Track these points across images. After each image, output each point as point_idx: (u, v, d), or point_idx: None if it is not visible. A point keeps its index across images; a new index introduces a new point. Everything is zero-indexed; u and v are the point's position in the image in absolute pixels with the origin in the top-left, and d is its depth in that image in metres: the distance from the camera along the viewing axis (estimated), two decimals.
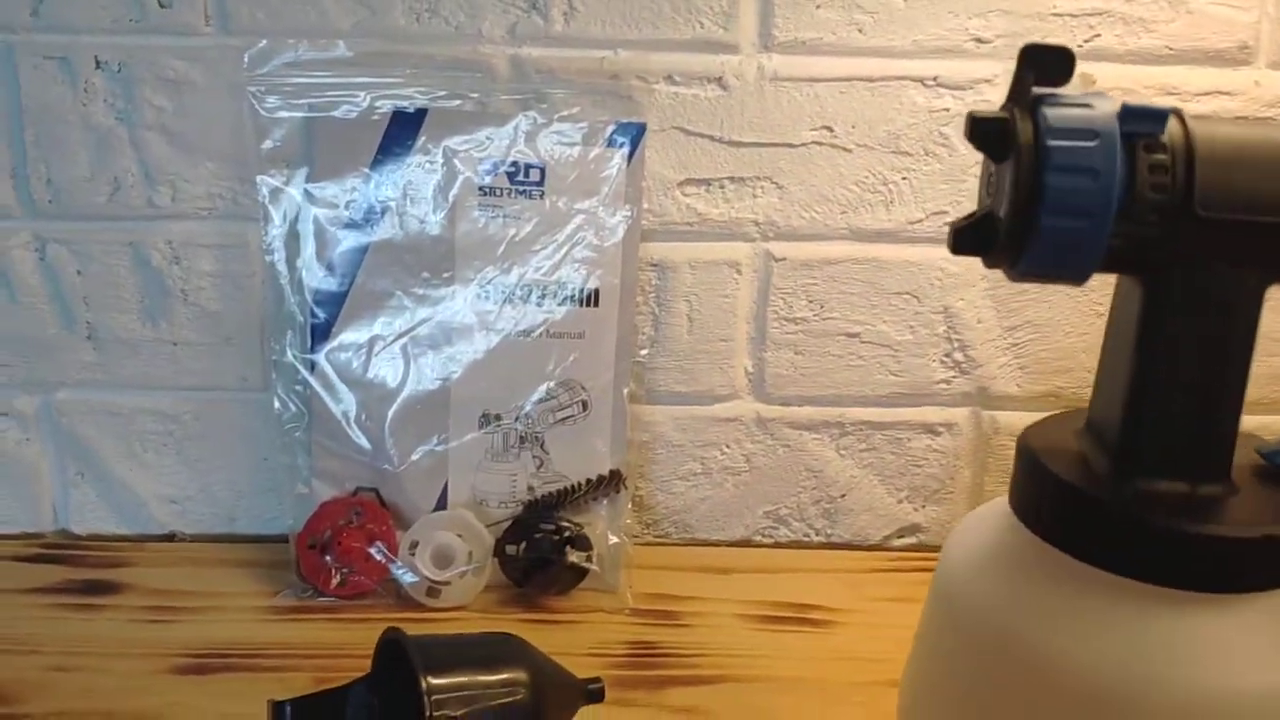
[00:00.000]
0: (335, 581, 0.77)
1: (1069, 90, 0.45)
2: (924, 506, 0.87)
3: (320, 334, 0.78)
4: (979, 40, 0.76)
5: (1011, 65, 0.78)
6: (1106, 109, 0.44)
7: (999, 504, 0.53)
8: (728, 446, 0.85)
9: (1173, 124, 0.45)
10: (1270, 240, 0.44)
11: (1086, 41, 0.76)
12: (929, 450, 0.86)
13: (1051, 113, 0.44)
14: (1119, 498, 0.46)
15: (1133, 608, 0.44)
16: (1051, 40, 0.75)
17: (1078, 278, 0.46)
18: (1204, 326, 0.46)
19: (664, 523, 0.87)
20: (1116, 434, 0.48)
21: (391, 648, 0.55)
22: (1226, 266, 0.45)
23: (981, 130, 0.45)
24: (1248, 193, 0.44)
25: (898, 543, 0.88)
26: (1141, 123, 0.44)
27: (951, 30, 0.76)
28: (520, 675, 0.54)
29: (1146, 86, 0.77)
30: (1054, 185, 0.44)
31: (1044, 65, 0.45)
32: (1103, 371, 0.50)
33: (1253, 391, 0.45)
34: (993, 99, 0.77)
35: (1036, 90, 0.45)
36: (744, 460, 0.86)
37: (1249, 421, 0.46)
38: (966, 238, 0.46)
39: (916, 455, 0.86)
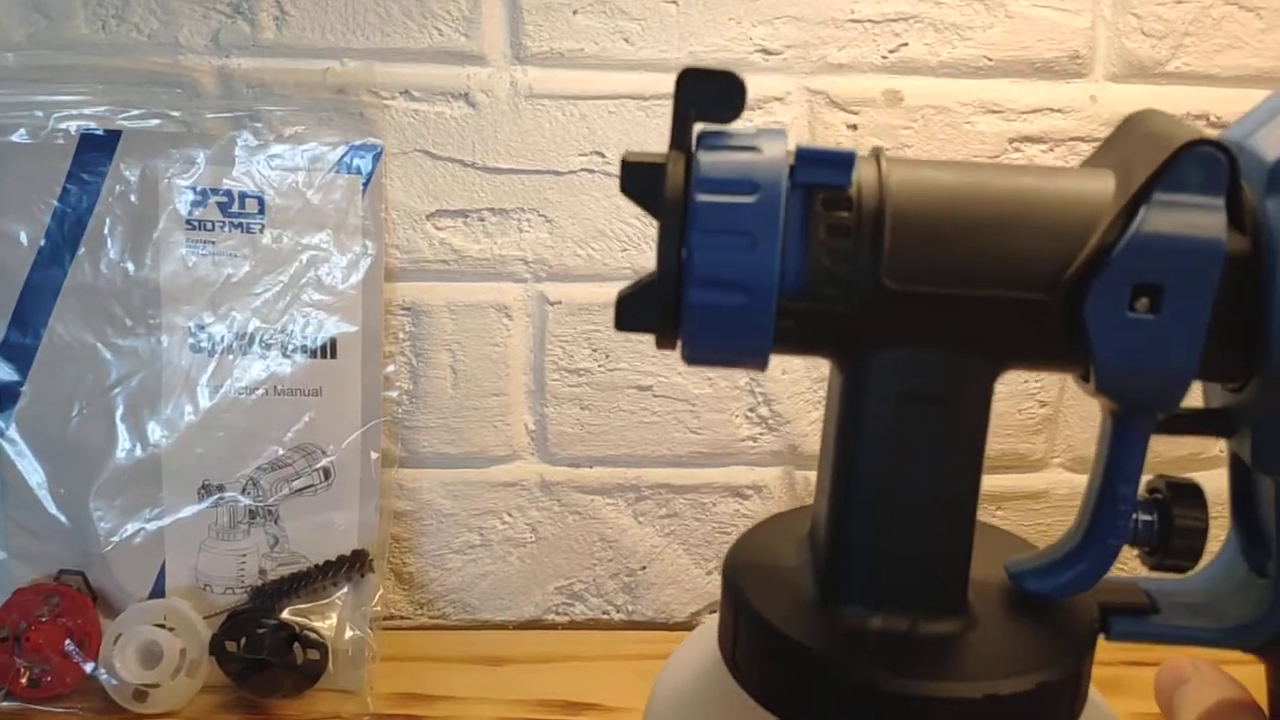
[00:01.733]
0: (24, 681, 0.66)
1: (742, 126, 0.34)
2: None
3: (8, 395, 0.66)
4: (766, 51, 0.65)
5: (807, 81, 0.69)
6: (775, 153, 0.33)
7: (713, 630, 0.43)
8: (509, 515, 0.74)
9: (865, 171, 0.34)
10: (984, 318, 0.34)
11: (892, 52, 0.66)
12: (737, 515, 0.75)
13: (705, 159, 0.33)
14: (818, 639, 0.35)
15: None
16: (848, 50, 0.65)
17: (754, 363, 0.35)
18: (914, 419, 0.35)
19: (440, 602, 0.76)
20: (824, 553, 0.38)
21: None
22: (936, 349, 0.34)
23: (634, 178, 0.34)
24: (949, 260, 0.33)
25: (708, 619, 0.77)
26: (820, 171, 0.33)
27: (733, 40, 0.65)
28: None
29: (963, 103, 0.67)
30: (699, 250, 0.33)
31: (705, 95, 0.34)
32: (820, 471, 0.39)
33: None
34: (784, 119, 0.67)
35: (701, 128, 0.34)
36: (529, 530, 0.75)
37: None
38: (629, 311, 0.35)
39: (724, 520, 0.75)
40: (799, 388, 0.72)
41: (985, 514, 0.74)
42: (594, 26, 0.64)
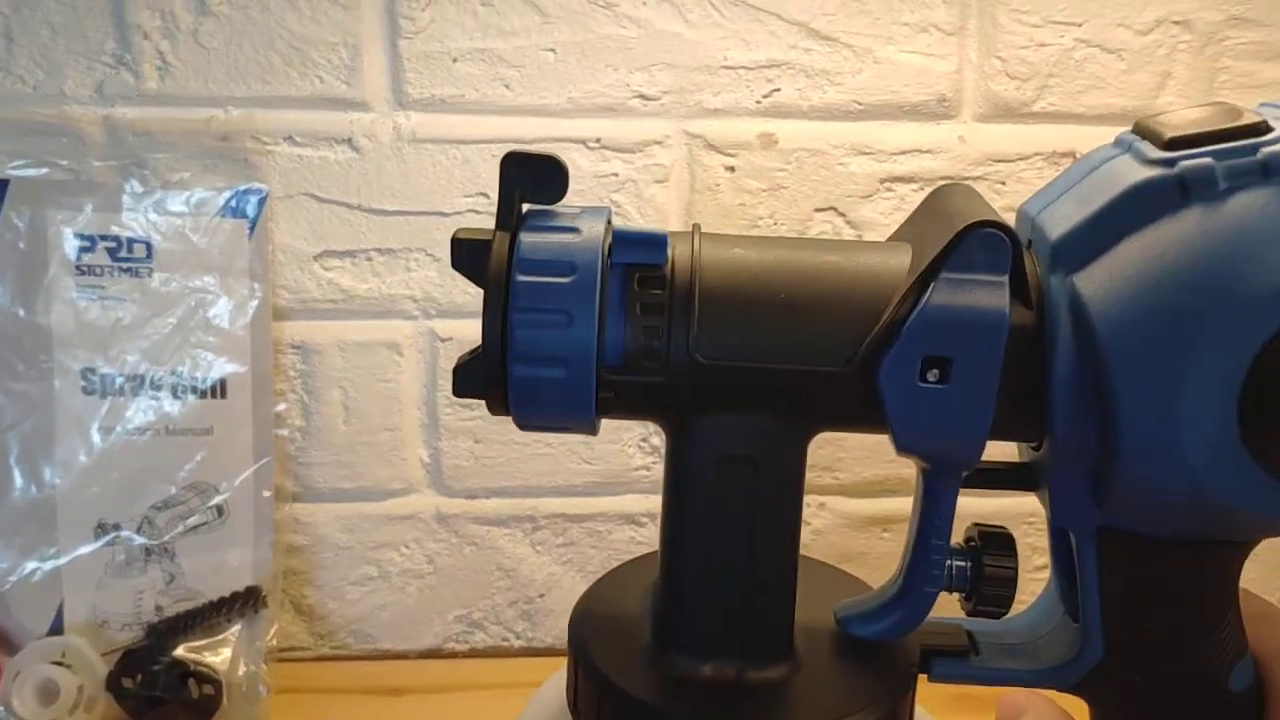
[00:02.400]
0: None
1: (566, 206, 0.36)
2: None
3: None
4: (644, 97, 0.67)
5: (685, 124, 0.71)
6: (593, 234, 0.35)
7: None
8: (406, 547, 0.76)
9: (680, 249, 0.36)
10: (789, 388, 0.36)
11: (765, 97, 0.68)
12: (632, 542, 0.77)
13: (526, 240, 0.35)
14: (649, 689, 0.37)
15: None
16: (723, 96, 0.67)
17: (582, 428, 0.37)
18: (734, 479, 0.37)
19: (340, 633, 0.77)
20: (658, 601, 0.39)
21: None
22: (749, 415, 0.36)
23: (463, 254, 0.36)
24: (755, 336, 0.35)
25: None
26: (635, 251, 0.35)
27: (611, 86, 0.67)
28: None
29: (836, 145, 0.69)
30: (520, 327, 0.35)
31: (530, 177, 0.36)
32: (660, 523, 0.41)
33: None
34: (665, 161, 0.69)
35: (529, 208, 0.36)
36: (427, 561, 0.76)
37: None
38: (464, 379, 0.37)
39: (619, 548, 0.77)
40: None
41: (871, 537, 0.77)
42: (474, 73, 0.66)
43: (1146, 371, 0.31)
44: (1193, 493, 0.32)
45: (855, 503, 0.76)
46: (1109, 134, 0.34)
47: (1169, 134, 0.32)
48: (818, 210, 0.70)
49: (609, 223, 0.35)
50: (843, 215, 0.70)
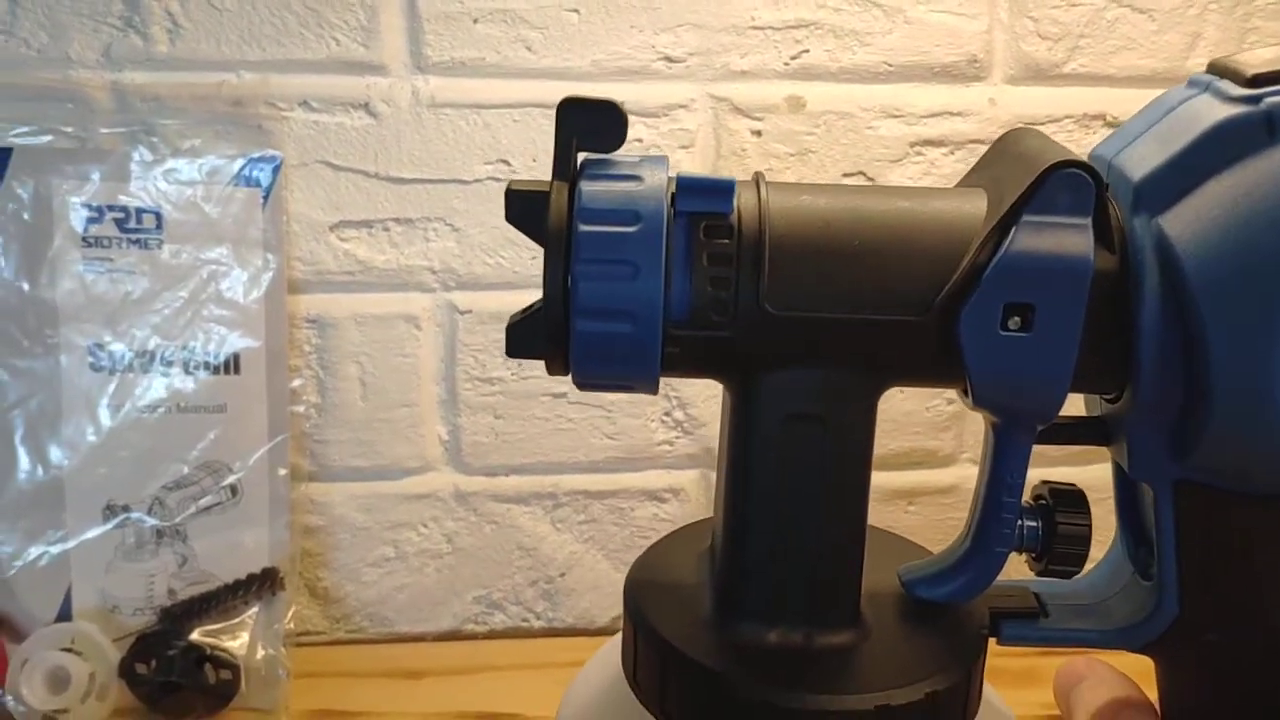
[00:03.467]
0: None
1: (625, 155, 0.34)
2: None
3: None
4: (669, 59, 0.66)
5: (710, 88, 0.69)
6: (657, 182, 0.33)
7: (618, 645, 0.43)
8: (424, 526, 0.74)
9: (746, 198, 0.34)
10: (862, 340, 0.34)
11: (794, 59, 0.66)
12: (655, 519, 0.75)
13: (588, 188, 0.33)
14: (714, 656, 0.36)
15: None
16: (750, 58, 0.65)
17: (645, 387, 0.35)
18: (801, 438, 0.36)
19: (356, 616, 0.75)
20: (720, 569, 0.38)
21: None
22: (819, 370, 0.35)
23: (518, 207, 0.34)
24: (827, 285, 0.33)
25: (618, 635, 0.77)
26: (701, 200, 0.34)
27: (636, 48, 0.65)
28: None
29: (865, 109, 0.68)
30: (584, 279, 0.33)
31: (587, 124, 0.34)
32: (716, 488, 0.40)
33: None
34: (690, 126, 0.67)
35: (585, 157, 0.34)
36: (445, 541, 0.74)
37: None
38: (519, 338, 0.35)
39: (642, 525, 0.75)
40: (713, 391, 0.72)
41: (897, 510, 0.76)
42: (495, 35, 0.64)
43: (1238, 313, 0.30)
44: None
45: (881, 475, 0.74)
46: (1140, 97, 0.33)
47: (1251, 71, 0.31)
48: (846, 175, 0.69)
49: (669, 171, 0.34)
50: (871, 180, 0.69)
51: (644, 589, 0.39)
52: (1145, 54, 0.69)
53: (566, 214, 0.33)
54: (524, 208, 0.33)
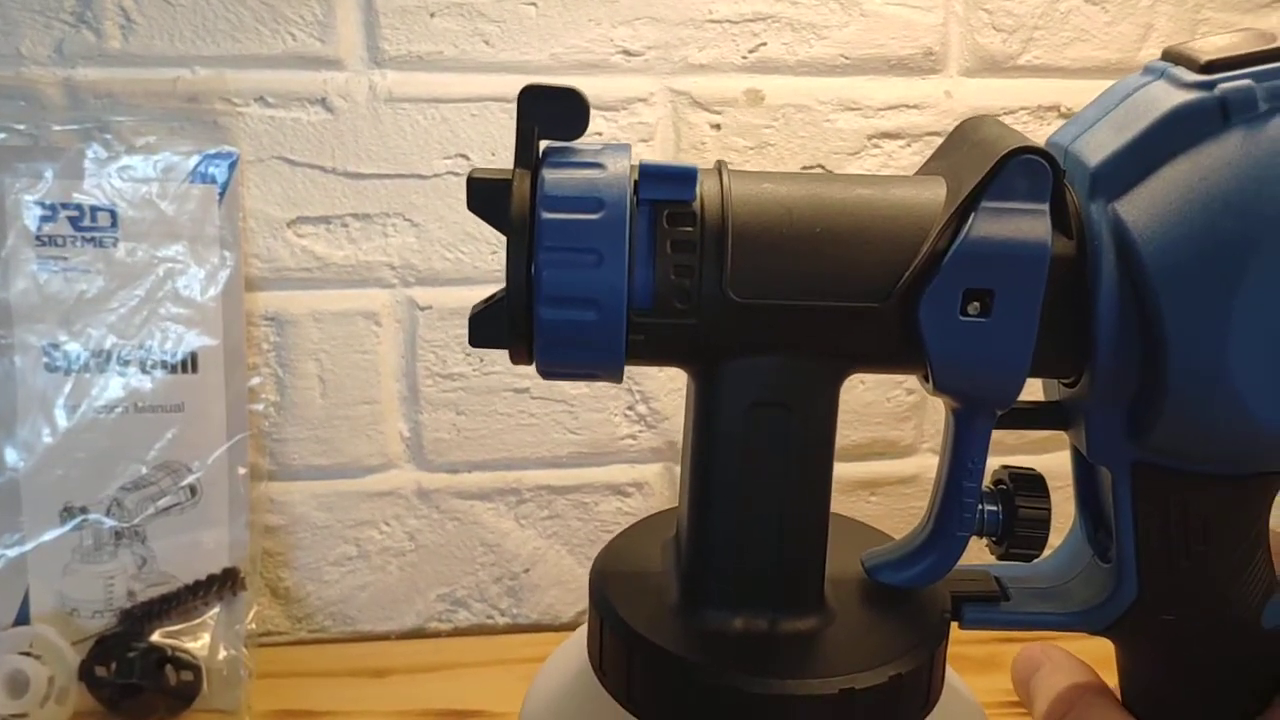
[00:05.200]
0: None
1: (587, 142, 0.34)
2: None
3: None
4: (628, 53, 0.66)
5: (669, 81, 0.69)
6: (619, 169, 0.33)
7: (584, 638, 0.43)
8: (386, 524, 0.73)
9: (708, 185, 0.34)
10: (825, 326, 0.34)
11: (751, 52, 0.66)
12: (619, 513, 0.75)
13: (550, 176, 0.33)
14: (679, 642, 0.36)
15: None
16: (708, 51, 0.66)
17: (610, 375, 0.35)
18: (765, 425, 0.36)
19: (319, 616, 0.75)
20: (684, 557, 0.38)
21: None
22: (781, 357, 0.35)
23: (480, 195, 0.34)
24: (789, 273, 0.34)
25: (583, 627, 0.77)
26: (664, 187, 0.34)
27: (594, 41, 0.65)
28: None
29: (823, 101, 0.68)
30: (547, 267, 0.33)
31: (548, 112, 0.34)
32: (680, 476, 0.40)
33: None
34: (649, 120, 0.67)
35: (547, 144, 0.34)
36: (407, 538, 0.74)
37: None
38: (482, 328, 0.35)
39: (606, 519, 0.75)
40: (676, 384, 0.72)
41: (859, 500, 0.76)
42: (452, 29, 0.64)
43: (1194, 296, 0.30)
44: (1240, 422, 0.31)
45: (843, 466, 0.75)
46: (1094, 88, 0.34)
47: (1205, 58, 0.32)
48: (804, 168, 0.69)
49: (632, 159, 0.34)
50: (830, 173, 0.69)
51: (609, 579, 0.39)
52: (1098, 45, 0.70)
53: (529, 202, 0.33)
54: (486, 196, 0.33)
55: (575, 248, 0.32)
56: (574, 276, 0.32)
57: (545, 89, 0.33)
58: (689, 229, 0.33)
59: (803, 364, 0.35)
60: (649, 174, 0.33)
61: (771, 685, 0.34)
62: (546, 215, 0.32)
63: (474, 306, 0.34)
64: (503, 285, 0.32)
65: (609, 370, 0.34)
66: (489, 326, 0.34)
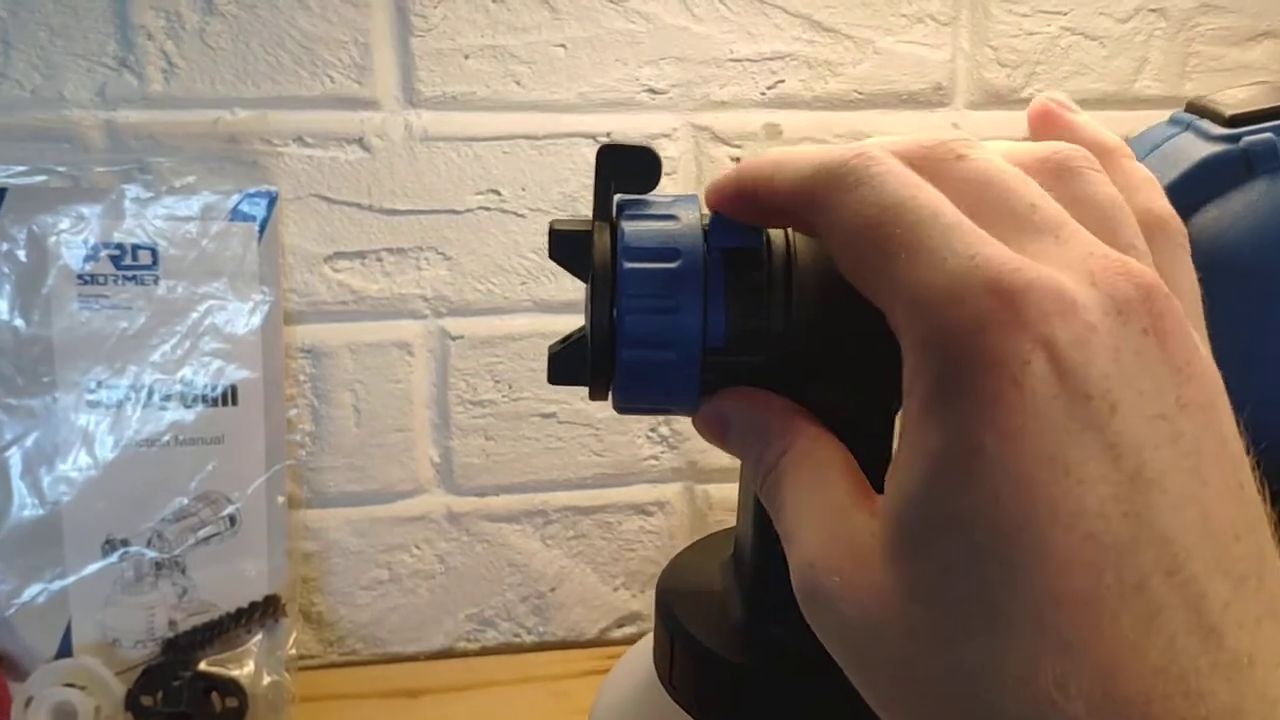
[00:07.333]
0: None
1: (656, 195, 0.37)
2: (642, 592, 0.79)
3: None
4: (653, 91, 0.68)
5: (692, 117, 0.72)
6: (691, 220, 0.36)
7: (646, 651, 0.45)
8: (417, 548, 0.75)
9: (774, 232, 0.37)
10: (886, 359, 0.37)
11: (770, 89, 0.69)
12: (642, 532, 0.78)
13: (629, 227, 0.36)
14: (748, 653, 0.38)
15: None
16: (729, 88, 0.68)
17: (685, 409, 0.38)
18: None
19: (350, 639, 0.76)
20: (749, 572, 0.40)
21: None
22: (843, 387, 0.37)
23: (562, 246, 0.36)
24: (848, 311, 0.36)
25: (617, 634, 0.80)
26: (732, 236, 0.36)
27: (621, 81, 0.67)
28: None
29: (837, 135, 0.71)
30: (629, 313, 0.35)
31: (623, 168, 0.36)
32: (740, 497, 0.42)
33: None
34: (673, 154, 0.69)
35: (621, 197, 0.37)
36: (437, 561, 0.76)
37: None
38: (561, 366, 0.37)
39: (629, 538, 0.78)
40: None
41: None
42: (485, 70, 0.66)
43: (1226, 336, 0.33)
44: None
45: None
46: (1093, 119, 0.36)
47: (1229, 112, 0.34)
48: None
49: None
50: None
51: (675, 596, 0.41)
52: (1097, 78, 0.74)
53: (610, 252, 0.35)
54: (568, 246, 0.36)
55: (655, 294, 0.35)
56: (654, 321, 0.35)
57: (621, 147, 0.35)
58: (756, 274, 0.36)
59: (862, 394, 0.37)
60: (720, 224, 0.35)
61: (843, 694, 0.37)
62: (629, 265, 0.35)
63: (551, 347, 0.37)
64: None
65: (683, 405, 0.37)
66: (569, 365, 0.37)
